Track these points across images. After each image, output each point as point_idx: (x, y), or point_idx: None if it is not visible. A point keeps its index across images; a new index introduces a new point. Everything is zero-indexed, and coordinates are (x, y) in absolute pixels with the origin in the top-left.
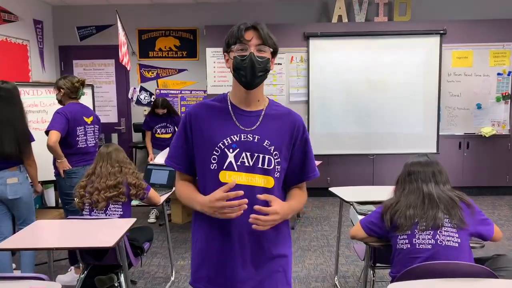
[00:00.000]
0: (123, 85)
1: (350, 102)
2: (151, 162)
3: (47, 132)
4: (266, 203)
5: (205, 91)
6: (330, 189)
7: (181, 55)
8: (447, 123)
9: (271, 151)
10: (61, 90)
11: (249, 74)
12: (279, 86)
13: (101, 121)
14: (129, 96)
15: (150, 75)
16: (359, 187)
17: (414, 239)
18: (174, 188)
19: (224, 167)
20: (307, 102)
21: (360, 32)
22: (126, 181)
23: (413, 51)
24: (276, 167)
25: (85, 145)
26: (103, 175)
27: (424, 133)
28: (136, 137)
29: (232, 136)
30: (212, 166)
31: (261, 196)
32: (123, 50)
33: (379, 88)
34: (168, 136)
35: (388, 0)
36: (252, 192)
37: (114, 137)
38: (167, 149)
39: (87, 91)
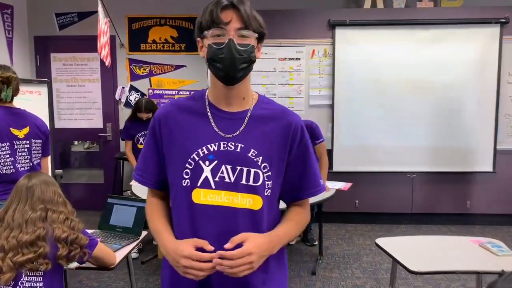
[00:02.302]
0: (110, 83)
1: (385, 108)
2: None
3: None
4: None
5: None
6: (377, 241)
7: (178, 49)
8: (507, 134)
9: (259, 163)
10: None
11: (228, 67)
12: (297, 86)
13: (84, 126)
14: (116, 97)
15: (142, 72)
16: (416, 237)
17: None
18: (144, 234)
19: (198, 184)
20: (332, 106)
21: (398, 21)
22: (52, 235)
23: (465, 45)
24: (266, 183)
25: (12, 170)
26: (16, 224)
27: (477, 147)
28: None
29: (209, 145)
30: (184, 182)
31: (228, 245)
32: (102, 40)
33: (421, 90)
34: None
35: None
36: (234, 216)
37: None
38: None
39: (41, 89)
